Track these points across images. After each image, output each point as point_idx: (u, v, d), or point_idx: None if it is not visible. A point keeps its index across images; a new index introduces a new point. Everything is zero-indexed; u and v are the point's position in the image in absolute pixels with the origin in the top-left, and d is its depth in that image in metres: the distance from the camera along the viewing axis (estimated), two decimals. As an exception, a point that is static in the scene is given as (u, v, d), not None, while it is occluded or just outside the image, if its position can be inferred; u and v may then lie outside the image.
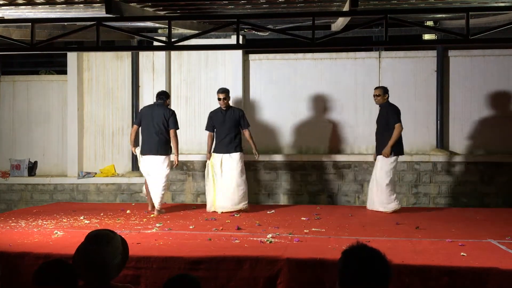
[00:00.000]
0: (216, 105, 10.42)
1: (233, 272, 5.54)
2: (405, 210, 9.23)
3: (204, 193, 10.28)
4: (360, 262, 2.56)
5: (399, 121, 8.66)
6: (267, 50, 10.53)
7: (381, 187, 8.66)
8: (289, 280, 5.44)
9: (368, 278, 2.54)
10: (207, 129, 9.12)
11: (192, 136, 10.62)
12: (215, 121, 9.02)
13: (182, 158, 10.17)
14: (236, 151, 8.92)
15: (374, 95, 8.89)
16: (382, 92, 8.85)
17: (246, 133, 9.01)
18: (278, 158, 10.28)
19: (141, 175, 10.38)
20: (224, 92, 8.96)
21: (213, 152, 8.95)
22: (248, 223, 7.80)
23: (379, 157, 8.73)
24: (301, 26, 10.03)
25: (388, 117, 8.70)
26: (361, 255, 2.59)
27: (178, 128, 8.85)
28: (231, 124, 8.97)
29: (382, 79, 10.31)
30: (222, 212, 8.78)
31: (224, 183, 8.85)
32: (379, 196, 8.69)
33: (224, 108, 9.01)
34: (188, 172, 10.38)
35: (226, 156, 8.90)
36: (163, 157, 8.76)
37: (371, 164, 9.97)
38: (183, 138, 10.58)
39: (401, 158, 9.97)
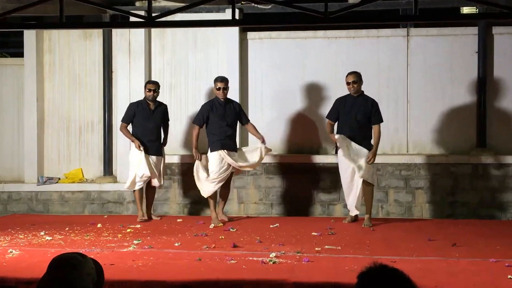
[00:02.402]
0: (205, 94, 10.40)
1: (228, 299, 5.57)
2: (439, 223, 9.25)
3: (193, 202, 10.31)
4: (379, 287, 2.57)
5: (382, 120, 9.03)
6: (270, 27, 10.53)
7: (359, 188, 8.84)
8: (296, 309, 5.46)
9: (391, 307, 2.56)
10: (195, 122, 9.30)
11: (177, 133, 10.62)
12: (211, 115, 9.17)
13: (165, 160, 10.23)
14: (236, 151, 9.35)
15: (349, 82, 8.97)
16: (359, 78, 8.99)
17: (250, 127, 9.42)
18: (283, 159, 10.31)
19: (115, 181, 10.41)
20: (224, 80, 9.19)
21: (223, 149, 9.12)
22: (247, 240, 7.81)
23: (364, 153, 8.82)
24: (312, -3, 10.04)
25: (372, 113, 8.93)
26: (381, 279, 2.60)
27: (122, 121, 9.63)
28: (233, 120, 9.28)
29: (410, 62, 10.32)
30: (214, 226, 8.85)
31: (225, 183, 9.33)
32: (357, 199, 8.86)
33: (222, 99, 9.19)
34: (173, 176, 10.39)
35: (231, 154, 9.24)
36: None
37: (397, 167, 10.01)
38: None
39: (434, 159, 10.03)
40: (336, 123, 9.18)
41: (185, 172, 10.33)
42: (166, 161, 9.79)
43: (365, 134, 8.97)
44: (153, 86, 9.49)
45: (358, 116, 8.93)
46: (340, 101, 9.11)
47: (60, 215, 10.26)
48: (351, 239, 7.88)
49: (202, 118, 9.20)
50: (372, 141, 8.93)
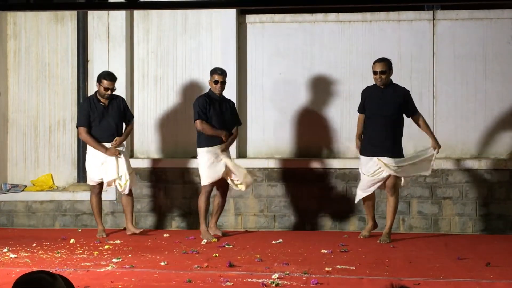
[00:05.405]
0: (196, 88, 10.39)
1: (223, 327, 5.58)
2: (470, 239, 9.27)
3: (182, 214, 10.30)
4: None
5: None
6: (272, 8, 10.51)
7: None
8: None
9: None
10: (199, 117, 9.21)
11: (164, 133, 10.61)
12: (209, 111, 9.22)
13: (149, 164, 10.22)
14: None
15: (376, 72, 9.01)
16: (388, 67, 9.04)
17: (235, 131, 9.49)
18: (287, 164, 10.30)
19: (89, 190, 10.27)
20: (224, 73, 9.27)
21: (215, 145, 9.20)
22: (245, 258, 7.82)
23: (390, 161, 8.88)
24: (321, -25, 10.05)
25: (407, 105, 9.02)
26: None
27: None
28: (229, 118, 9.37)
29: (437, 50, 10.30)
30: (207, 242, 8.86)
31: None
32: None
33: (218, 95, 9.27)
34: (159, 184, 10.39)
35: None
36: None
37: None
38: (150, 136, 10.58)
39: (464, 164, 9.99)
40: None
41: (173, 178, 10.32)
42: (149, 166, 9.73)
43: (396, 137, 9.00)
44: (111, 85, 9.40)
45: (387, 111, 8.95)
46: (366, 91, 9.21)
47: (27, 229, 10.25)
48: (367, 257, 7.89)
49: (205, 112, 9.15)
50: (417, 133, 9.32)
